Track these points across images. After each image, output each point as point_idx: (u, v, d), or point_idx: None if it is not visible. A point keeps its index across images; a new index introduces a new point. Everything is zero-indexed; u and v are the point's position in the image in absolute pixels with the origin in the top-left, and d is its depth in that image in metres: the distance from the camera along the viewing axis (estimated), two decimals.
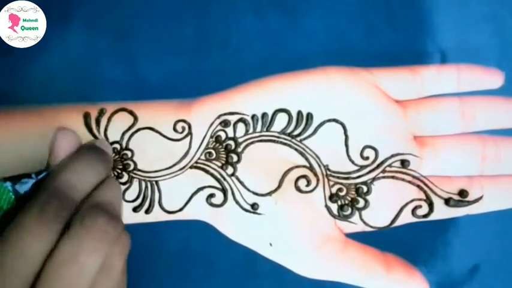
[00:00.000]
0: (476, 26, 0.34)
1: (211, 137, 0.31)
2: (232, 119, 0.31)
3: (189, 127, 0.31)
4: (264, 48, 0.34)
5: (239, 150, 0.31)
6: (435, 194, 0.31)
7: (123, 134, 0.31)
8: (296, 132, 0.31)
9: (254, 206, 0.31)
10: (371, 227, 0.31)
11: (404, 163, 0.31)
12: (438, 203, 0.31)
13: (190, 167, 0.31)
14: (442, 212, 0.31)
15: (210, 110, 0.31)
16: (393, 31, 0.34)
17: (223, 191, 0.31)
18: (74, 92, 0.33)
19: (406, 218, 0.31)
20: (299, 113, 0.31)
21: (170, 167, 0.31)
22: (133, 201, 0.31)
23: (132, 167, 0.31)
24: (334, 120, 0.31)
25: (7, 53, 0.32)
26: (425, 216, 0.31)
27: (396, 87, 0.32)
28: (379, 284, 0.31)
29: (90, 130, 0.31)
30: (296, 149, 0.31)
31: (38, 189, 0.25)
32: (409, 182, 0.31)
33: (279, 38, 0.34)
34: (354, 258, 0.31)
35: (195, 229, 0.32)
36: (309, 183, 0.31)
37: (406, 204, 0.31)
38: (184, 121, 0.31)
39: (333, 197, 0.31)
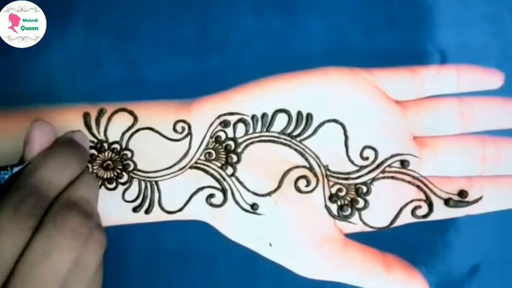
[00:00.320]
0: (476, 26, 0.34)
1: (211, 137, 0.31)
2: (232, 119, 0.31)
3: (189, 127, 0.31)
4: (264, 48, 0.34)
5: (239, 150, 0.31)
6: (435, 194, 0.31)
7: (123, 134, 0.31)
8: (296, 133, 0.31)
9: (254, 206, 0.31)
10: (371, 227, 0.31)
11: (404, 163, 0.31)
12: (438, 204, 0.31)
13: (190, 167, 0.31)
14: (441, 213, 0.31)
15: (210, 110, 0.31)
16: (393, 31, 0.34)
17: (223, 191, 0.31)
18: (74, 92, 0.33)
19: (405, 218, 0.31)
20: (299, 113, 0.31)
21: (170, 167, 0.31)
22: (133, 201, 0.31)
23: (132, 167, 0.31)
24: (334, 120, 0.31)
25: (7, 53, 0.32)
26: (425, 216, 0.31)
27: (396, 87, 0.32)
28: (379, 284, 0.31)
29: (90, 130, 0.31)
30: (296, 149, 0.31)
31: (13, 185, 0.24)
32: (409, 182, 0.31)
33: (279, 38, 0.34)
34: (354, 258, 0.31)
35: (194, 229, 0.32)
36: (308, 183, 0.31)
37: (406, 204, 0.31)
38: (184, 121, 0.31)
39: (332, 197, 0.31)
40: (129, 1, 0.34)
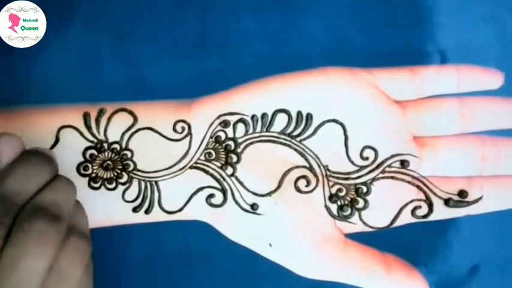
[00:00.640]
0: (476, 26, 0.34)
1: (211, 137, 0.31)
2: (232, 119, 0.31)
3: (189, 127, 0.31)
4: (264, 48, 0.34)
5: (239, 150, 0.31)
6: (435, 194, 0.31)
7: (123, 134, 0.31)
8: (296, 133, 0.31)
9: (254, 206, 0.31)
10: (371, 227, 0.31)
11: (403, 163, 0.31)
12: (438, 204, 0.31)
13: (190, 167, 0.31)
14: (441, 213, 0.31)
15: (210, 110, 0.31)
16: (393, 31, 0.34)
17: (223, 191, 0.31)
18: (74, 92, 0.33)
19: (405, 218, 0.31)
20: (299, 113, 0.31)
21: (170, 167, 0.31)
22: (133, 201, 0.31)
23: (131, 167, 0.31)
24: (334, 120, 0.31)
25: (7, 53, 0.32)
26: (425, 216, 0.31)
27: (396, 87, 0.32)
28: (379, 284, 0.31)
29: (89, 130, 0.31)
30: (296, 150, 0.31)
31: None
32: (409, 182, 0.31)
33: (279, 38, 0.34)
34: (354, 258, 0.31)
35: (194, 229, 0.32)
36: (308, 183, 0.31)
37: (406, 204, 0.31)
38: (184, 121, 0.31)
39: (332, 198, 0.31)
40: (129, 1, 0.34)
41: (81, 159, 0.31)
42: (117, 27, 0.34)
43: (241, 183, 0.31)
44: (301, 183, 0.31)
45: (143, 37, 0.34)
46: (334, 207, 0.31)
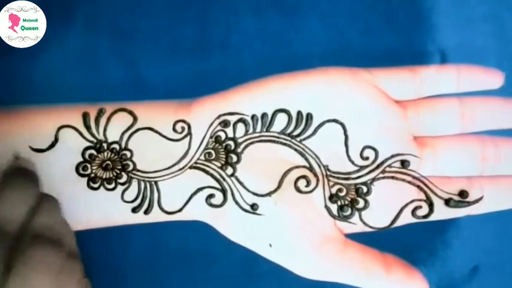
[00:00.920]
0: (476, 26, 0.34)
1: (211, 137, 0.31)
2: (232, 119, 0.31)
3: (189, 127, 0.31)
4: (264, 48, 0.34)
5: (239, 150, 0.31)
6: (435, 194, 0.31)
7: (123, 134, 0.31)
8: (296, 133, 0.31)
9: (254, 207, 0.31)
10: (371, 227, 0.31)
11: (404, 163, 0.31)
12: (438, 204, 0.31)
13: (190, 167, 0.31)
14: (442, 213, 0.31)
15: (210, 110, 0.31)
16: (393, 31, 0.34)
17: (223, 191, 0.31)
18: (74, 92, 0.33)
19: (406, 218, 0.31)
20: (299, 113, 0.31)
21: (169, 167, 0.31)
22: (133, 201, 0.31)
23: (131, 167, 0.31)
24: (334, 120, 0.31)
25: (7, 53, 0.32)
26: (425, 216, 0.31)
27: (396, 87, 0.32)
28: (379, 284, 0.31)
29: (89, 130, 0.31)
30: (296, 149, 0.31)
31: None
32: (409, 182, 0.31)
33: (279, 38, 0.34)
34: (354, 258, 0.31)
35: (194, 230, 0.32)
36: (308, 183, 0.31)
37: (406, 204, 0.31)
38: (183, 121, 0.31)
39: (332, 198, 0.31)
40: (129, 1, 0.34)
41: (81, 159, 0.31)
42: (117, 27, 0.34)
43: (241, 183, 0.31)
44: (301, 183, 0.31)
45: (143, 37, 0.34)
46: (334, 207, 0.31)
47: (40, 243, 0.24)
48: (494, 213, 0.32)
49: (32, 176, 0.27)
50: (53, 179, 0.30)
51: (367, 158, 0.31)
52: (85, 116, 0.31)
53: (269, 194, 0.31)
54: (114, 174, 0.31)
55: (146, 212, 0.31)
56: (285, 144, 0.31)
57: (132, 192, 0.31)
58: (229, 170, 0.31)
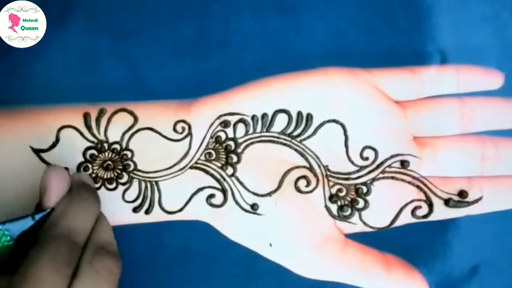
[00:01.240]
0: (476, 26, 0.34)
1: (211, 137, 0.31)
2: (232, 119, 0.31)
3: (189, 127, 0.31)
4: (264, 48, 0.34)
5: (239, 150, 0.31)
6: (435, 194, 0.31)
7: (123, 134, 0.31)
8: (296, 133, 0.31)
9: (254, 207, 0.31)
10: (371, 227, 0.31)
11: (404, 164, 0.31)
12: (438, 204, 0.31)
13: (190, 168, 0.31)
14: (441, 213, 0.31)
15: (210, 110, 0.31)
16: (393, 31, 0.34)
17: (223, 191, 0.31)
18: (74, 92, 0.33)
19: (405, 218, 0.31)
20: (299, 113, 0.31)
21: (170, 168, 0.31)
22: (133, 201, 0.31)
23: (132, 167, 0.31)
24: (334, 120, 0.31)
25: (7, 53, 0.32)
26: (425, 216, 0.31)
27: (396, 88, 0.32)
28: (379, 284, 0.31)
29: (90, 130, 0.31)
30: (296, 150, 0.31)
31: (43, 235, 0.25)
32: (409, 182, 0.31)
33: (279, 38, 0.34)
34: (354, 258, 0.31)
35: (195, 229, 0.32)
36: (308, 183, 0.31)
37: (406, 204, 0.31)
38: (184, 121, 0.31)
39: (332, 198, 0.31)
40: (129, 1, 0.34)
41: (82, 159, 0.31)
42: (117, 27, 0.34)
43: (241, 183, 0.31)
44: (302, 184, 0.31)
45: (143, 37, 0.34)
46: (334, 208, 0.31)
47: (107, 254, 0.25)
48: (494, 213, 0.32)
49: (94, 191, 0.28)
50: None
51: (367, 158, 0.31)
52: (86, 116, 0.31)
53: (269, 194, 0.31)
54: (115, 174, 0.31)
55: (147, 212, 0.31)
56: (285, 144, 0.31)
57: (133, 192, 0.31)
58: (230, 170, 0.31)
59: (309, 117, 0.31)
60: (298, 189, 0.31)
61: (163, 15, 0.34)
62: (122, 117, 0.31)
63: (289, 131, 0.31)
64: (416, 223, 0.31)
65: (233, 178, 0.31)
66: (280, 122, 0.31)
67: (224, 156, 0.31)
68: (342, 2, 0.34)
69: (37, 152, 0.30)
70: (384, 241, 0.32)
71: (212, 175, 0.31)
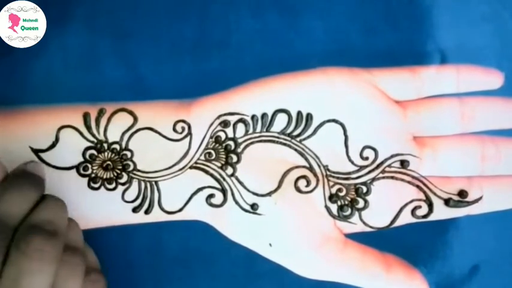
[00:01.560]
0: (476, 26, 0.34)
1: (211, 137, 0.31)
2: (232, 119, 0.31)
3: (189, 127, 0.31)
4: (264, 48, 0.34)
5: (239, 150, 0.31)
6: (435, 194, 0.31)
7: (123, 134, 0.31)
8: (296, 133, 0.31)
9: (254, 207, 0.31)
10: (371, 227, 0.31)
11: (403, 163, 0.31)
12: (438, 204, 0.31)
13: (190, 168, 0.31)
14: (441, 213, 0.31)
15: (210, 110, 0.31)
16: (393, 31, 0.34)
17: (223, 191, 0.31)
18: (74, 92, 0.33)
19: (405, 218, 0.31)
20: (299, 113, 0.31)
21: (170, 167, 0.31)
22: (133, 201, 0.31)
23: (131, 167, 0.31)
24: (334, 120, 0.31)
25: (7, 53, 0.32)
26: (425, 216, 0.31)
27: (396, 87, 0.32)
28: (379, 284, 0.31)
29: (89, 130, 0.31)
30: (296, 150, 0.31)
31: None
32: (409, 182, 0.31)
33: (279, 38, 0.34)
34: (354, 258, 0.31)
35: (194, 229, 0.32)
36: (308, 183, 0.31)
37: (406, 204, 0.31)
38: (184, 121, 0.31)
39: (332, 198, 0.31)
40: (129, 1, 0.34)
41: (81, 159, 0.31)
42: (117, 27, 0.34)
43: (241, 183, 0.31)
44: (301, 183, 0.31)
45: (143, 37, 0.34)
46: (334, 207, 0.31)
47: (37, 232, 0.24)
48: (494, 213, 0.32)
49: (35, 178, 0.27)
50: (54, 179, 0.30)
51: (366, 158, 0.31)
52: (85, 116, 0.31)
53: (269, 194, 0.31)
54: (115, 174, 0.31)
55: (147, 212, 0.31)
56: (285, 144, 0.31)
57: (132, 192, 0.31)
58: (229, 170, 0.31)
59: (309, 117, 0.31)
60: (298, 189, 0.31)
61: (163, 15, 0.34)
62: (122, 117, 0.31)
63: (289, 131, 0.31)
64: (416, 223, 0.31)
65: (233, 178, 0.31)
66: (280, 121, 0.31)
67: (224, 156, 0.31)
68: (342, 2, 0.34)
69: (36, 152, 0.30)
70: (384, 241, 0.32)
71: (212, 175, 0.31)
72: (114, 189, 0.31)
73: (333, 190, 0.31)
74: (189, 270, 0.33)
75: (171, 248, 0.33)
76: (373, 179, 0.31)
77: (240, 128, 0.31)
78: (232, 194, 0.31)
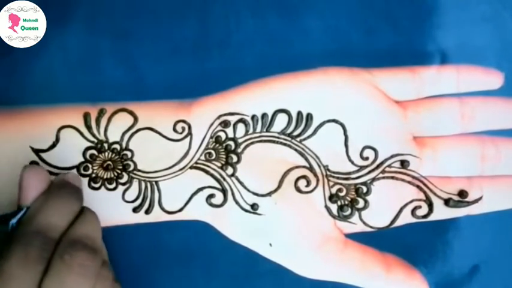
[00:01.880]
0: (476, 26, 0.34)
1: (211, 137, 0.31)
2: (232, 119, 0.31)
3: (189, 127, 0.31)
4: (264, 48, 0.34)
5: (239, 150, 0.31)
6: (435, 194, 0.31)
7: (123, 134, 0.31)
8: (296, 133, 0.31)
9: (254, 207, 0.31)
10: (371, 227, 0.31)
11: (403, 163, 0.31)
12: (438, 204, 0.31)
13: (190, 168, 0.31)
14: (441, 213, 0.31)
15: (210, 110, 0.31)
16: (393, 31, 0.34)
17: (223, 191, 0.31)
18: (74, 92, 0.33)
19: (405, 218, 0.31)
20: (299, 113, 0.31)
21: (170, 167, 0.31)
22: (133, 201, 0.31)
23: (132, 167, 0.31)
24: (334, 120, 0.31)
25: (7, 53, 0.32)
26: (425, 216, 0.31)
27: (396, 87, 0.32)
28: (379, 284, 0.31)
29: (90, 130, 0.31)
30: (296, 150, 0.31)
31: (17, 232, 0.25)
32: (409, 182, 0.31)
33: (279, 38, 0.34)
34: (354, 258, 0.31)
35: (195, 229, 0.32)
36: (308, 183, 0.31)
37: (406, 204, 0.31)
38: (184, 121, 0.31)
39: (332, 198, 0.31)
40: (129, 1, 0.34)
41: (82, 159, 0.31)
42: (117, 27, 0.34)
43: (241, 183, 0.31)
44: (301, 183, 0.31)
45: (143, 37, 0.34)
46: (334, 207, 0.31)
47: (80, 248, 0.25)
48: (494, 213, 0.32)
49: (76, 190, 0.27)
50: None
51: (367, 158, 0.31)
52: (86, 116, 0.31)
53: (269, 194, 0.31)
54: (115, 174, 0.31)
55: (147, 212, 0.31)
56: (285, 144, 0.31)
57: (133, 192, 0.31)
58: (230, 170, 0.31)
59: (309, 117, 0.31)
60: (298, 189, 0.31)
61: (163, 15, 0.34)
62: (122, 117, 0.31)
63: (289, 131, 0.31)
64: (416, 223, 0.31)
65: (233, 178, 0.31)
66: (280, 122, 0.31)
67: (224, 156, 0.31)
68: (342, 2, 0.34)
69: (37, 152, 0.30)
70: (384, 241, 0.32)
71: (212, 175, 0.31)
72: (114, 189, 0.31)
73: (333, 190, 0.31)
74: (189, 270, 0.33)
75: (171, 248, 0.33)
76: (373, 179, 0.31)
77: (240, 128, 0.31)
78: (233, 194, 0.31)
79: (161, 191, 0.31)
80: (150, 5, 0.34)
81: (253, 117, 0.31)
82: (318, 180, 0.31)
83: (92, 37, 0.33)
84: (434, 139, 0.32)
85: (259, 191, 0.31)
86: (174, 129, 0.31)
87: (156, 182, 0.31)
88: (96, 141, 0.31)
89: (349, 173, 0.31)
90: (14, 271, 0.23)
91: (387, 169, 0.31)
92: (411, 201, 0.31)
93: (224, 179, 0.31)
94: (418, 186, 0.31)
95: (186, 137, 0.31)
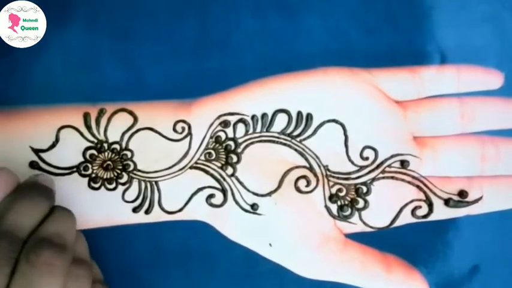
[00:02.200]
0: (476, 26, 0.34)
1: (211, 137, 0.31)
2: (232, 119, 0.31)
3: (189, 127, 0.31)
4: (264, 48, 0.34)
5: (239, 150, 0.31)
6: (435, 194, 0.31)
7: (123, 134, 0.31)
8: (296, 133, 0.31)
9: (254, 207, 0.31)
10: (371, 227, 0.31)
11: (403, 163, 0.31)
12: (438, 204, 0.31)
13: (190, 168, 0.31)
14: (441, 213, 0.31)
15: (210, 110, 0.31)
16: (393, 31, 0.34)
17: (223, 191, 0.31)
18: (74, 92, 0.33)
19: (405, 218, 0.31)
20: (299, 113, 0.31)
21: (170, 167, 0.31)
22: (133, 201, 0.31)
23: (132, 168, 0.31)
24: (334, 120, 0.31)
25: (7, 53, 0.32)
26: (425, 216, 0.31)
27: (396, 87, 0.32)
28: (379, 284, 0.31)
29: (90, 130, 0.31)
30: (296, 150, 0.31)
31: None
32: (409, 182, 0.31)
33: (279, 38, 0.34)
34: (354, 258, 0.31)
35: (195, 229, 0.32)
36: (308, 183, 0.31)
37: (406, 204, 0.31)
38: (184, 121, 0.31)
39: (332, 198, 0.31)
40: (129, 1, 0.34)
41: (81, 159, 0.31)
42: (117, 27, 0.34)
43: (241, 183, 0.31)
44: (301, 183, 0.31)
45: (143, 37, 0.34)
46: (334, 207, 0.31)
47: (47, 246, 0.24)
48: (494, 213, 0.32)
49: (45, 190, 0.27)
50: (54, 179, 0.30)
51: (367, 158, 0.31)
52: (86, 116, 0.31)
53: (269, 194, 0.31)
54: (115, 174, 0.31)
55: (147, 212, 0.31)
56: (285, 144, 0.31)
57: (132, 192, 0.31)
58: (230, 170, 0.31)
59: (309, 117, 0.31)
60: (298, 189, 0.31)
61: (163, 15, 0.34)
62: (122, 117, 0.31)
63: (289, 131, 0.31)
64: (416, 223, 0.31)
65: (233, 178, 0.31)
66: (280, 122, 0.31)
67: (224, 156, 0.31)
68: (342, 2, 0.34)
69: (37, 152, 0.30)
70: (384, 241, 0.32)
71: (212, 175, 0.31)
72: (114, 189, 0.31)
73: (333, 190, 0.31)
74: (188, 270, 0.33)
75: (171, 248, 0.33)
76: (373, 179, 0.31)
77: (240, 128, 0.31)
78: (233, 194, 0.31)
79: (161, 191, 0.31)
80: (150, 5, 0.34)
81: (253, 117, 0.31)
82: (318, 180, 0.31)
83: (91, 37, 0.33)
84: (434, 139, 0.32)
85: (259, 191, 0.31)
86: (174, 129, 0.31)
87: (156, 182, 0.31)
88: (96, 141, 0.31)
89: (349, 173, 0.31)
90: None
91: (387, 169, 0.31)
92: (411, 201, 0.31)
93: (224, 179, 0.31)
94: (418, 186, 0.31)
95: (186, 137, 0.31)
